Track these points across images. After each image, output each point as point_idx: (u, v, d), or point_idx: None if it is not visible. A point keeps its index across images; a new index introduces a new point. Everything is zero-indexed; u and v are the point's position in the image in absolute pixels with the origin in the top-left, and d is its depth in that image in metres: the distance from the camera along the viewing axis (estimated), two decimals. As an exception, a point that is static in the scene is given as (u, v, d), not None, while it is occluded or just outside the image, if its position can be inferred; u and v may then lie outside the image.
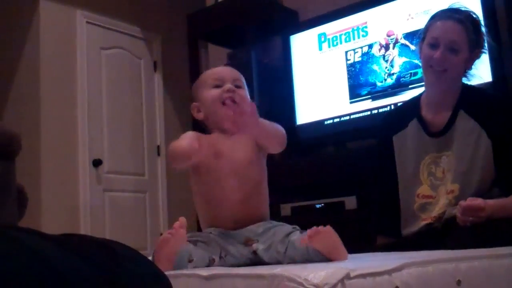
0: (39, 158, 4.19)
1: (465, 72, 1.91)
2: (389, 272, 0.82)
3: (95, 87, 4.65)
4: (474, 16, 1.89)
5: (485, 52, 1.94)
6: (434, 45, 1.83)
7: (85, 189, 4.43)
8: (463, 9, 1.90)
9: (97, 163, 4.53)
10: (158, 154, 5.07)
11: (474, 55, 1.87)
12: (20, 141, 2.06)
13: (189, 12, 4.09)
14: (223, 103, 1.47)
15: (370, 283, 0.79)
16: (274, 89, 3.52)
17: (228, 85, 1.49)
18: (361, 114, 3.10)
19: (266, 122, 1.45)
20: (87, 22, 4.68)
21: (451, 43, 1.80)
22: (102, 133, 4.64)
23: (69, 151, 4.41)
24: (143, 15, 5.08)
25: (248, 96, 1.55)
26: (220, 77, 1.52)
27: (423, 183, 1.86)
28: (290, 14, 3.82)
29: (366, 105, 3.09)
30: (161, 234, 4.36)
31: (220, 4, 3.88)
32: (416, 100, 2.00)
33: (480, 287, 0.96)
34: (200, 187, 1.49)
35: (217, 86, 1.50)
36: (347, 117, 3.16)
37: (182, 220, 1.27)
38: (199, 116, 1.55)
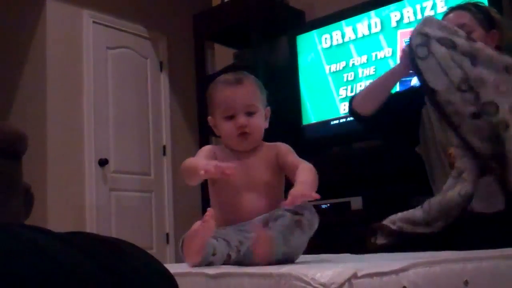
0: (45, 158, 4.21)
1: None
2: (396, 272, 0.82)
3: (101, 87, 4.66)
4: (479, 4, 2.01)
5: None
6: None
7: (91, 188, 4.45)
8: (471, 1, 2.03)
9: (103, 162, 4.54)
10: (164, 154, 5.08)
11: (493, 35, 1.93)
12: (26, 141, 2.07)
13: (195, 12, 4.10)
14: (238, 135, 1.44)
15: (377, 283, 0.79)
16: (280, 90, 3.52)
17: (240, 121, 1.42)
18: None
19: (309, 178, 1.35)
20: (94, 22, 4.69)
21: (461, 27, 1.86)
22: (108, 133, 4.65)
23: (75, 150, 4.42)
24: (149, 15, 5.09)
25: (263, 117, 1.48)
26: (231, 107, 1.43)
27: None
28: (297, 14, 3.82)
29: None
30: (167, 234, 4.28)
31: (226, 4, 3.89)
32: None
33: (487, 288, 0.96)
34: (217, 192, 1.48)
35: (230, 117, 1.44)
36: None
37: (211, 211, 1.27)
38: (216, 132, 1.52)
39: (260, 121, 1.46)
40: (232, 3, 3.81)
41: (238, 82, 1.46)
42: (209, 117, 1.52)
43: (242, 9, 3.72)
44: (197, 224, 1.25)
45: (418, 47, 1.79)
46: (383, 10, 3.12)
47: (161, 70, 5.18)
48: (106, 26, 4.78)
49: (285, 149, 1.49)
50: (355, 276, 0.77)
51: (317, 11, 3.67)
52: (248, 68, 3.66)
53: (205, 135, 3.96)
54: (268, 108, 1.52)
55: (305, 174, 1.36)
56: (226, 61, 3.99)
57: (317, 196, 1.23)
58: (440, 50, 1.74)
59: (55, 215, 4.13)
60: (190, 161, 1.43)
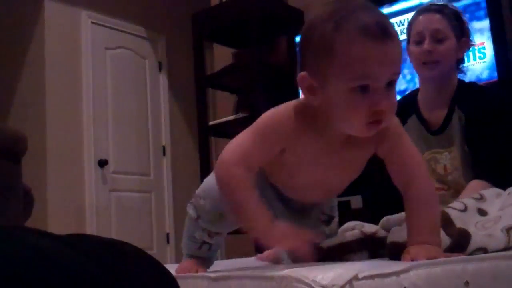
0: (45, 159, 4.21)
1: (458, 65, 1.90)
2: (397, 273, 0.82)
3: (100, 88, 4.66)
4: (452, 6, 1.91)
5: (473, 43, 1.94)
6: (420, 41, 1.83)
7: (91, 189, 4.45)
8: (440, 3, 1.93)
9: (102, 163, 4.54)
10: (164, 154, 5.08)
11: (463, 44, 1.86)
12: (26, 143, 2.07)
13: (193, 12, 4.09)
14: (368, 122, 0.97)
15: (378, 285, 0.79)
16: (279, 89, 3.52)
17: (383, 102, 0.95)
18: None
19: (433, 234, 1.04)
20: (92, 23, 4.69)
21: (435, 32, 1.80)
22: (107, 133, 4.65)
23: (74, 151, 4.42)
24: (148, 15, 5.09)
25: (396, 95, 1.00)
26: (371, 75, 0.94)
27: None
28: (296, 13, 3.82)
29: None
30: (167, 234, 4.23)
31: (224, 3, 3.88)
32: (412, 97, 1.98)
33: (488, 288, 0.96)
34: (278, 165, 1.10)
35: (363, 86, 0.94)
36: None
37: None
38: (312, 100, 1.00)
39: (395, 97, 1.00)
40: (230, 2, 3.81)
41: (387, 34, 0.94)
42: (304, 74, 1.00)
43: (241, 9, 3.72)
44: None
45: None
46: (384, 9, 3.12)
47: (160, 70, 5.18)
48: (105, 26, 4.79)
49: (400, 148, 1.08)
50: (356, 277, 0.77)
51: (316, 10, 3.67)
52: (247, 68, 3.66)
53: (204, 135, 3.96)
54: None
55: (429, 221, 1.03)
56: (225, 61, 3.99)
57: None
58: None
59: (55, 217, 4.13)
60: (245, 197, 1.00)
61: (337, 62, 0.94)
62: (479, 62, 2.68)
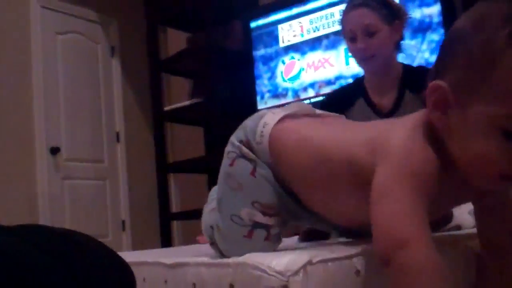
0: (-6, 147, 4.09)
1: (397, 45, 1.93)
2: (350, 257, 0.84)
3: (51, 73, 4.55)
4: None
5: (409, 17, 1.96)
6: (353, 38, 1.88)
7: (43, 177, 4.35)
8: None
9: (55, 150, 4.45)
10: (118, 141, 5.01)
11: (397, 27, 1.90)
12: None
13: (146, -4, 4.03)
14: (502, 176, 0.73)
15: (332, 268, 0.81)
16: (233, 74, 3.51)
17: None
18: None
19: None
20: (42, 7, 4.55)
21: (366, 28, 1.84)
22: (59, 120, 4.55)
23: (25, 139, 4.32)
24: (100, -1, 4.97)
25: None
26: None
27: None
28: (250, -3, 3.81)
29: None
30: (123, 222, 4.20)
31: (178, -13, 3.84)
32: (359, 82, 2.03)
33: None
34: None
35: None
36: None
37: None
38: (437, 118, 0.77)
39: None
40: (184, -14, 3.77)
41: None
42: (443, 84, 0.75)
43: (194, -7, 3.68)
44: None
45: None
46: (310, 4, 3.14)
47: (112, 55, 5.09)
48: (55, 10, 4.65)
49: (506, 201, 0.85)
50: (310, 262, 0.79)
51: (270, -5, 3.67)
52: (201, 52, 3.64)
53: (159, 121, 3.93)
54: None
55: None
56: (179, 46, 3.95)
57: None
58: None
59: (6, 206, 4.02)
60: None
61: (497, 85, 0.69)
62: (428, 46, 2.74)
